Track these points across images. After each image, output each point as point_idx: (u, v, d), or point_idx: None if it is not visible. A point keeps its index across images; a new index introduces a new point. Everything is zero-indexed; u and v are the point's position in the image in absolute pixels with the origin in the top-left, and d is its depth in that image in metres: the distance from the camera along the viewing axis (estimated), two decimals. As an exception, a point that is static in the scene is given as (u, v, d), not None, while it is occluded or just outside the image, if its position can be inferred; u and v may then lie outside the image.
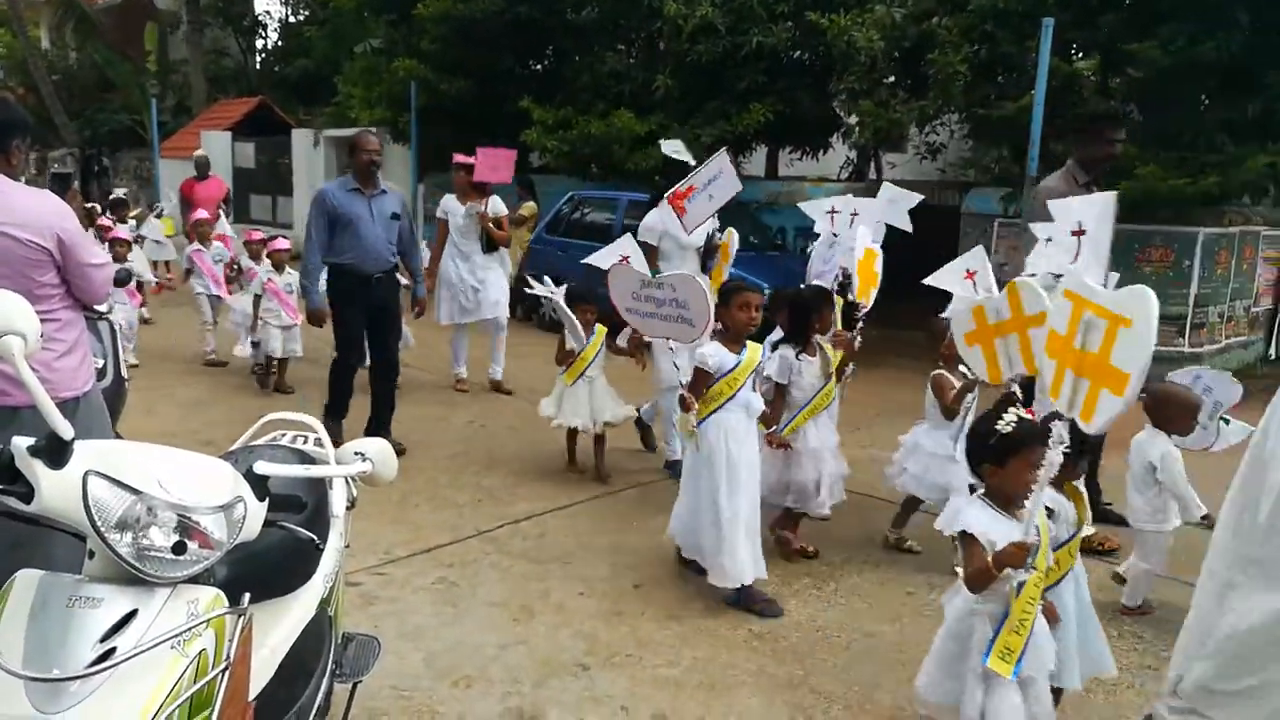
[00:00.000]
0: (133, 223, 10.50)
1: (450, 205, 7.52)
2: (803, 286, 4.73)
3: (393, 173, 16.28)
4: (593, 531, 4.76)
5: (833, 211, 5.36)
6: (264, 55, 25.59)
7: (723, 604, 3.96)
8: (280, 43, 25.08)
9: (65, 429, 1.56)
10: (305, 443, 2.69)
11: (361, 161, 5.67)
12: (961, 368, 4.07)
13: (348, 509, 2.64)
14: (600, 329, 5.53)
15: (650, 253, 5.36)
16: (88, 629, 1.52)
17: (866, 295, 4.80)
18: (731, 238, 5.70)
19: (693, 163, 5.69)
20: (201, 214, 8.84)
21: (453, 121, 14.09)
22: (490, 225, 7.38)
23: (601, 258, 4.51)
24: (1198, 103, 8.41)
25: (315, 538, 1.96)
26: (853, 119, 11.60)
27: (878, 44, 9.43)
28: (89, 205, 11.96)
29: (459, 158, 7.52)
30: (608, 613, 3.86)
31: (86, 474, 1.55)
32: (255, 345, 7.50)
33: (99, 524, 1.54)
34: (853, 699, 3.30)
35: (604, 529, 4.79)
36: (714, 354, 3.92)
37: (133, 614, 1.56)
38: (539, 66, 14.51)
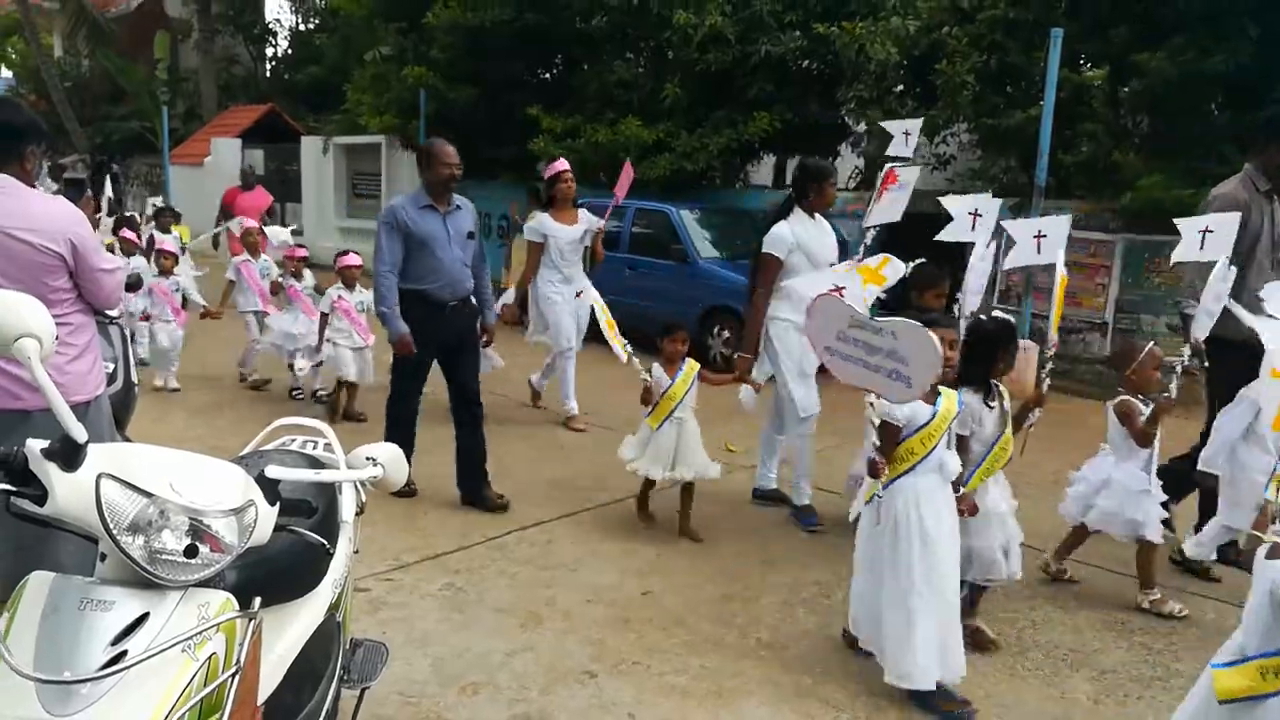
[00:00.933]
0: (175, 234, 10.10)
1: (549, 224, 6.77)
2: (984, 316, 3.98)
3: (402, 180, 16.38)
4: (600, 539, 4.75)
5: (976, 214, 4.68)
6: (274, 63, 25.70)
7: (731, 612, 3.95)
8: (290, 50, 25.19)
9: (79, 432, 1.57)
10: (315, 448, 2.69)
11: (441, 176, 4.90)
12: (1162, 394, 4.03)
13: (357, 514, 2.64)
14: (691, 364, 4.81)
15: (769, 266, 5.02)
16: (99, 631, 1.52)
17: (1055, 327, 4.39)
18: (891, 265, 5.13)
19: (909, 154, 5.63)
20: (249, 222, 8.33)
21: (461, 129, 14.13)
22: (600, 244, 6.99)
23: (807, 284, 3.94)
24: (1206, 114, 8.40)
25: (325, 542, 1.96)
26: (861, 128, 11.60)
27: (893, 54, 9.45)
28: (128, 215, 11.45)
29: (557, 167, 6.93)
30: (615, 620, 3.86)
31: (100, 477, 1.55)
32: (318, 367, 7.17)
33: (112, 527, 1.54)
34: (860, 709, 3.28)
35: (611, 536, 4.79)
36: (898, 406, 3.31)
37: (144, 617, 1.56)
38: (548, 75, 14.55)
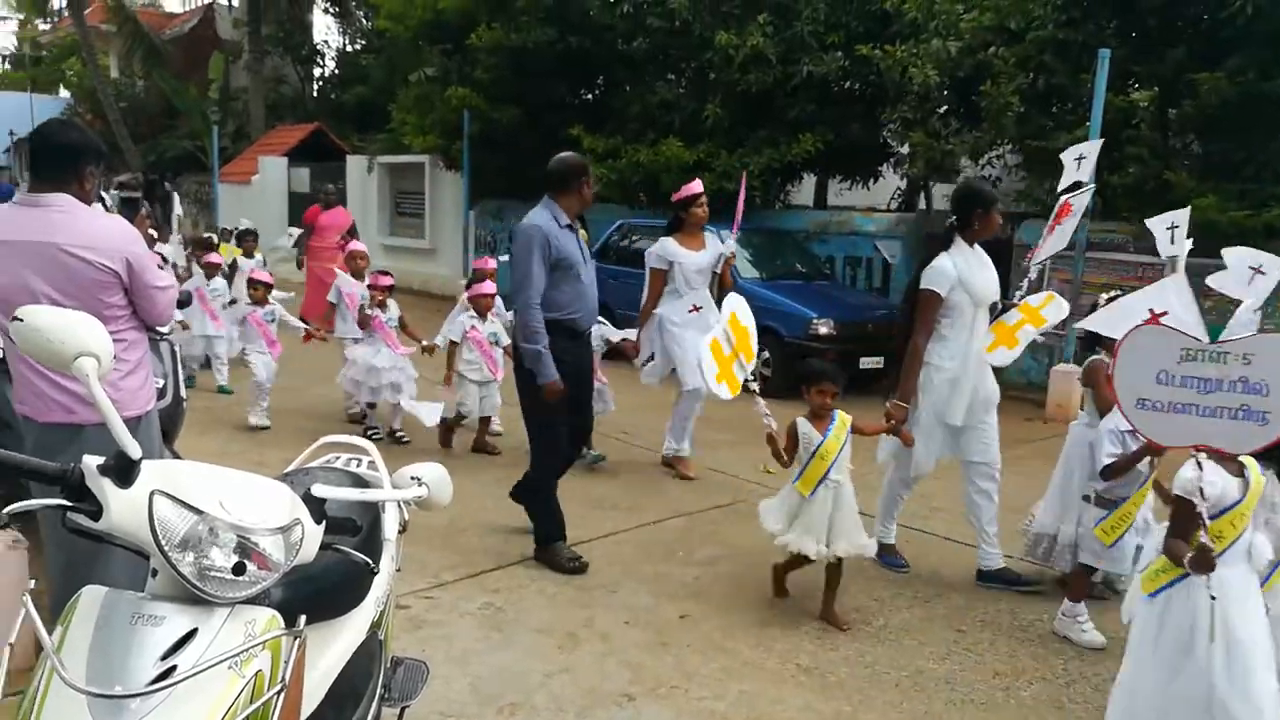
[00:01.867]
0: (259, 257, 9.94)
1: (675, 250, 6.17)
2: None
3: (444, 199, 16.57)
4: (638, 560, 4.73)
5: (1258, 271, 3.91)
6: (320, 83, 26.19)
7: (770, 637, 3.91)
8: (337, 71, 25.66)
9: (134, 449, 1.60)
10: (360, 465, 2.72)
11: (588, 194, 4.58)
12: None
13: (400, 533, 2.66)
14: (842, 417, 4.10)
15: (930, 305, 4.38)
16: (149, 647, 1.54)
17: None
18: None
19: (1086, 179, 5.26)
20: (358, 245, 7.76)
21: (504, 149, 14.28)
22: (729, 271, 6.33)
23: (1118, 315, 3.35)
24: (1264, 136, 8.24)
25: (370, 561, 1.98)
26: (904, 149, 11.54)
27: (933, 78, 9.39)
28: (205, 236, 11.41)
29: (691, 189, 6.29)
30: (653, 643, 3.84)
31: (153, 494, 1.58)
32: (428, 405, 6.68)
33: (163, 543, 1.57)
34: (903, 738, 3.23)
35: (650, 558, 4.77)
36: (1213, 476, 2.70)
37: (192, 633, 1.58)
38: (590, 96, 14.68)
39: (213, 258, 8.49)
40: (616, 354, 6.71)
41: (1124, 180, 8.72)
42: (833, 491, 4.00)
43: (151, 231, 10.75)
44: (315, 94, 25.68)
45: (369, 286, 6.85)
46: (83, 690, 1.47)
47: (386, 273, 7.16)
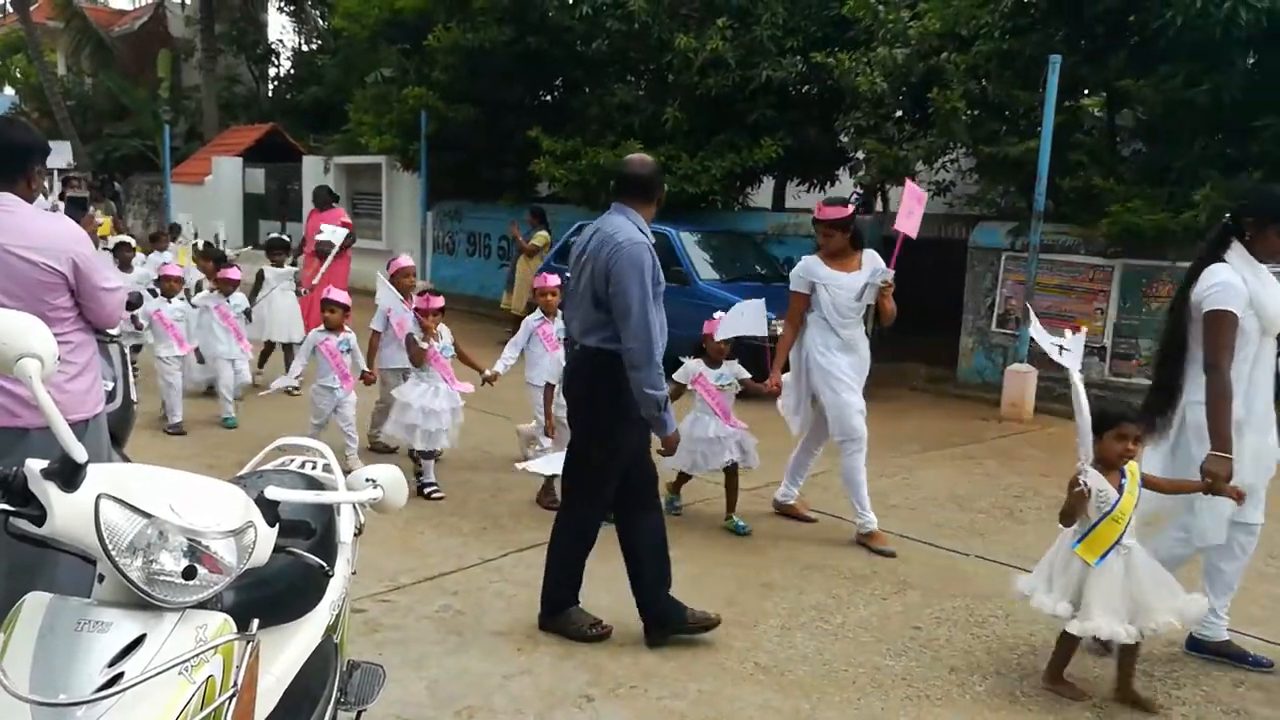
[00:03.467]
0: (288, 268, 8.84)
1: (820, 270, 5.09)
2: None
3: (402, 200, 16.45)
4: (596, 562, 4.70)
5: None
6: (276, 83, 25.88)
7: (729, 635, 3.93)
8: (292, 70, 25.38)
9: (79, 452, 1.57)
10: (314, 468, 2.69)
11: (659, 205, 4.06)
12: None
13: (355, 535, 2.64)
14: (1133, 468, 3.50)
15: (1228, 327, 3.57)
16: (95, 653, 1.51)
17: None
18: None
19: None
20: (404, 260, 6.59)
21: (462, 150, 14.21)
22: (890, 299, 5.09)
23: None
24: (1191, 142, 8.47)
25: (324, 564, 1.96)
26: (860, 153, 11.67)
27: (881, 85, 9.51)
28: (221, 249, 10.56)
29: (830, 213, 5.09)
30: (612, 644, 3.83)
31: (99, 497, 1.55)
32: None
33: (110, 548, 1.54)
34: (860, 735, 3.26)
35: (608, 559, 4.74)
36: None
37: (141, 638, 1.55)
38: (548, 97, 14.66)
39: (230, 273, 7.68)
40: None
41: (1074, 184, 8.90)
42: (1125, 559, 3.44)
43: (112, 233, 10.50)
44: (270, 94, 25.37)
45: (417, 310, 5.69)
46: (26, 699, 1.44)
47: (435, 292, 6.00)
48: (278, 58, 25.57)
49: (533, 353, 5.93)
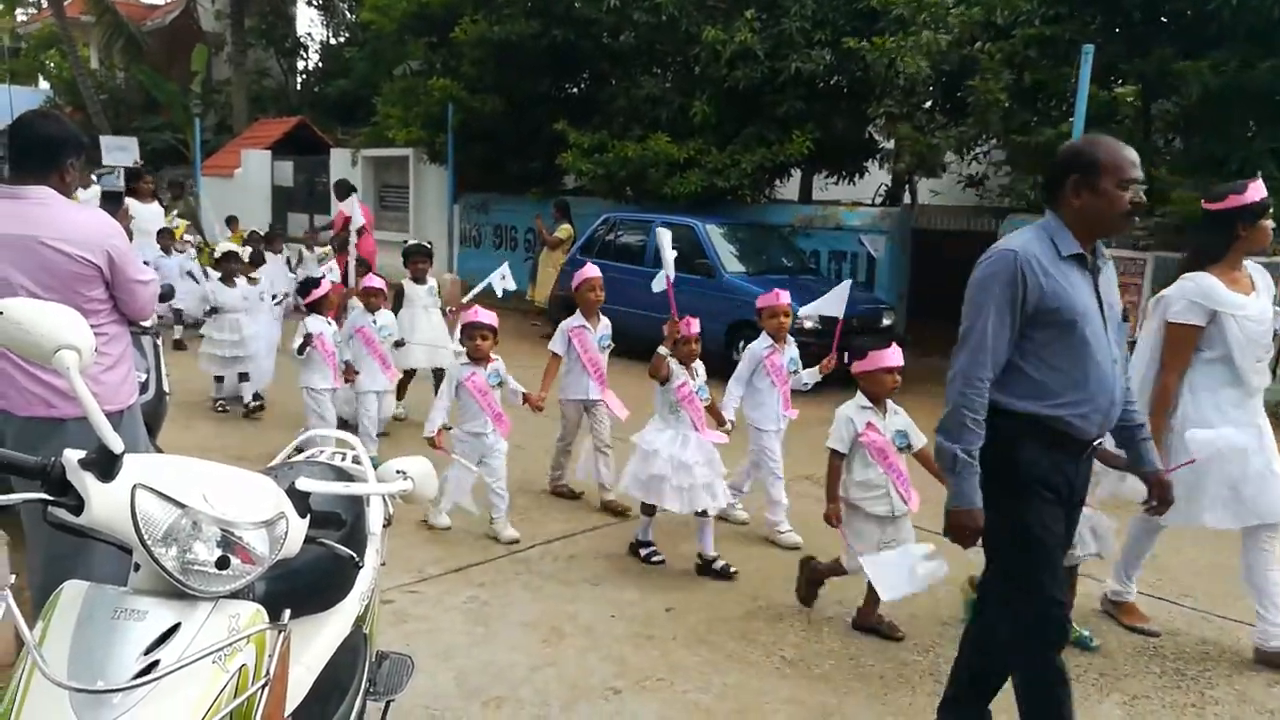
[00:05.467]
0: (432, 282, 7.18)
1: (1220, 293, 3.70)
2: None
3: (428, 192, 16.52)
4: (623, 554, 4.74)
5: None
6: (304, 76, 26.04)
7: (755, 630, 3.93)
8: (320, 64, 25.52)
9: (116, 443, 1.58)
10: (344, 460, 2.71)
11: (1123, 205, 2.60)
12: None
13: (384, 527, 2.65)
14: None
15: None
16: (132, 641, 1.53)
17: None
18: None
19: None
20: (592, 273, 5.55)
21: (488, 143, 14.24)
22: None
23: None
24: (1245, 129, 8.30)
25: (354, 555, 1.97)
26: (890, 144, 11.57)
27: (923, 68, 9.41)
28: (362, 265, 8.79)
29: (1253, 194, 3.65)
30: (638, 636, 3.84)
31: (135, 487, 1.57)
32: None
33: (146, 537, 1.55)
34: (887, 730, 3.24)
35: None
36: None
37: (175, 627, 1.57)
38: (575, 90, 14.66)
39: (373, 281, 6.41)
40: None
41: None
42: None
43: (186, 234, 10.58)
44: (299, 87, 25.53)
45: (675, 344, 4.59)
46: (65, 685, 1.46)
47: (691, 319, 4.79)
48: (306, 51, 25.74)
49: (756, 390, 5.03)
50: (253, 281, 8.02)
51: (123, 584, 1.66)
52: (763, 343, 5.02)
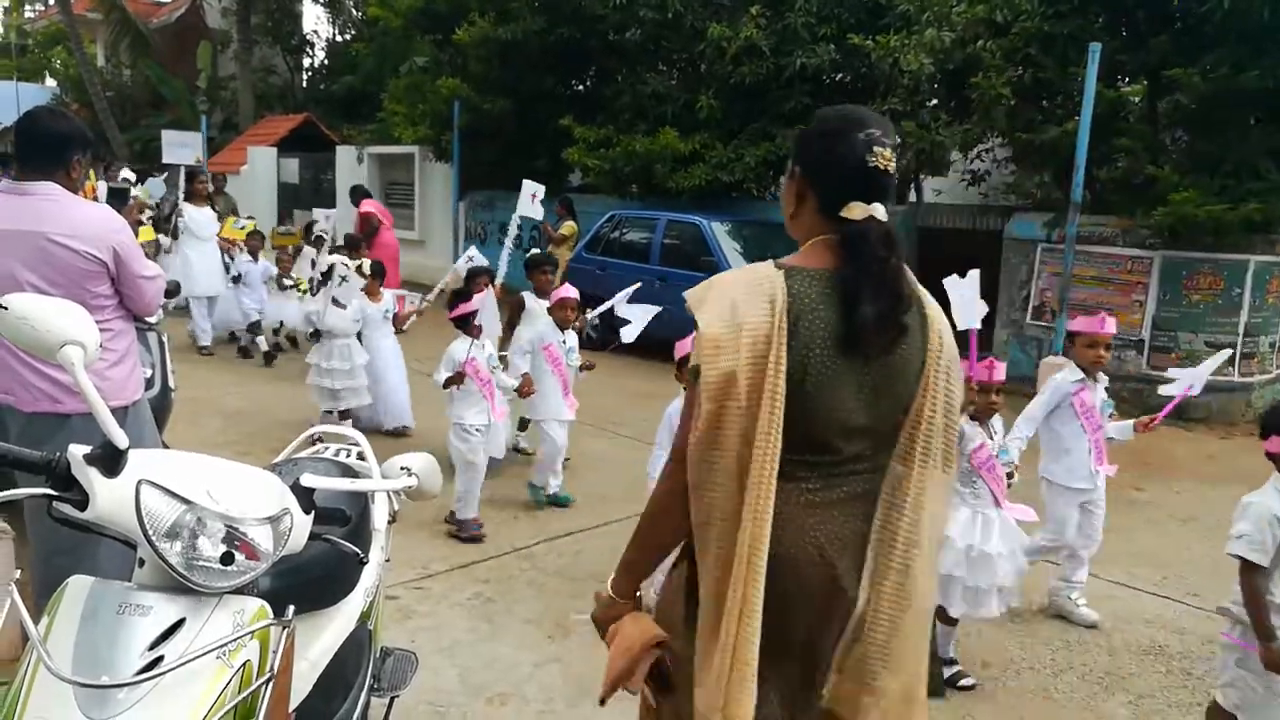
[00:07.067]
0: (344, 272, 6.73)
1: None
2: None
3: (434, 190, 16.52)
4: (628, 551, 4.72)
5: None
6: (310, 73, 26.07)
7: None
8: (326, 61, 25.55)
9: (121, 438, 1.59)
10: (349, 456, 2.71)
11: None
12: None
13: (389, 523, 2.66)
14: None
15: None
16: (137, 636, 1.53)
17: None
18: None
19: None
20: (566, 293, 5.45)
21: (494, 140, 14.23)
22: None
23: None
24: (1242, 131, 8.28)
25: (359, 551, 1.97)
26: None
27: (926, 66, 9.39)
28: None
29: None
30: (643, 633, 3.83)
31: (140, 483, 1.57)
32: None
33: (150, 532, 1.56)
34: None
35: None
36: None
37: (180, 623, 1.57)
38: (581, 86, 14.64)
39: (568, 292, 5.49)
40: None
41: (1113, 174, 8.75)
42: None
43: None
44: (304, 84, 25.56)
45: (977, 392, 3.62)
46: (69, 680, 1.46)
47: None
48: (312, 48, 25.76)
49: (1057, 435, 4.17)
50: (375, 299, 6.74)
51: (126, 579, 1.66)
52: (1070, 374, 4.09)
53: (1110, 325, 4.10)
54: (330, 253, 8.59)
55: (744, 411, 1.58)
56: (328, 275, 6.90)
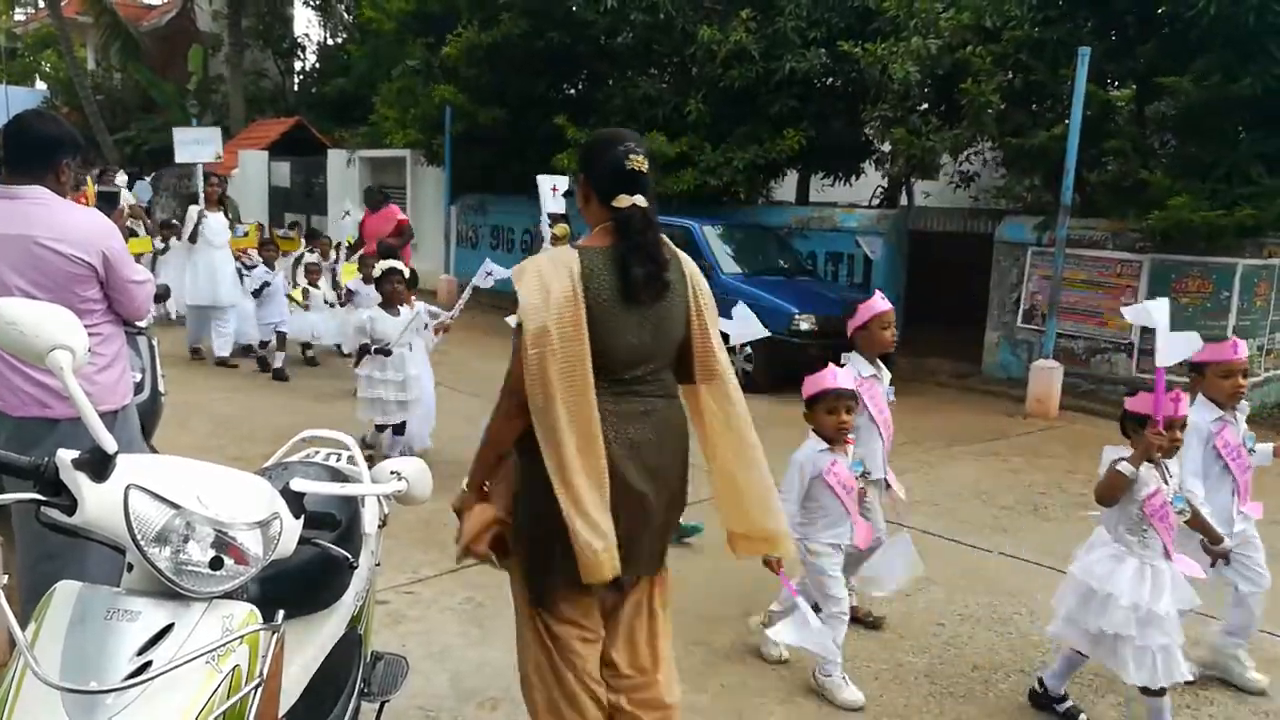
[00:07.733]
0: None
1: None
2: None
3: (426, 193, 16.51)
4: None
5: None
6: (301, 76, 26.03)
7: (751, 630, 3.92)
8: (317, 64, 25.52)
9: (109, 443, 1.58)
10: (339, 460, 2.71)
11: None
12: None
13: (379, 528, 2.65)
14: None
15: None
16: (125, 642, 1.53)
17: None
18: None
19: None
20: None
21: (485, 144, 14.23)
22: None
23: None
24: (1233, 136, 8.33)
25: (349, 556, 1.97)
26: (886, 146, 11.59)
27: (913, 74, 9.44)
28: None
29: None
30: (634, 637, 3.83)
31: (128, 488, 1.57)
32: None
33: (139, 537, 1.55)
34: (882, 731, 3.24)
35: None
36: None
37: (169, 628, 1.57)
38: (572, 90, 14.66)
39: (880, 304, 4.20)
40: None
41: (1102, 178, 8.79)
42: None
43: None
44: (295, 87, 25.52)
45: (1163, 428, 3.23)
46: (57, 686, 1.45)
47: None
48: (303, 52, 25.73)
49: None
50: (409, 307, 6.25)
51: (115, 584, 1.65)
52: (1208, 413, 3.58)
53: (1243, 349, 3.61)
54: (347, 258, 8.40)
55: (555, 352, 2.22)
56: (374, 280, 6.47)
